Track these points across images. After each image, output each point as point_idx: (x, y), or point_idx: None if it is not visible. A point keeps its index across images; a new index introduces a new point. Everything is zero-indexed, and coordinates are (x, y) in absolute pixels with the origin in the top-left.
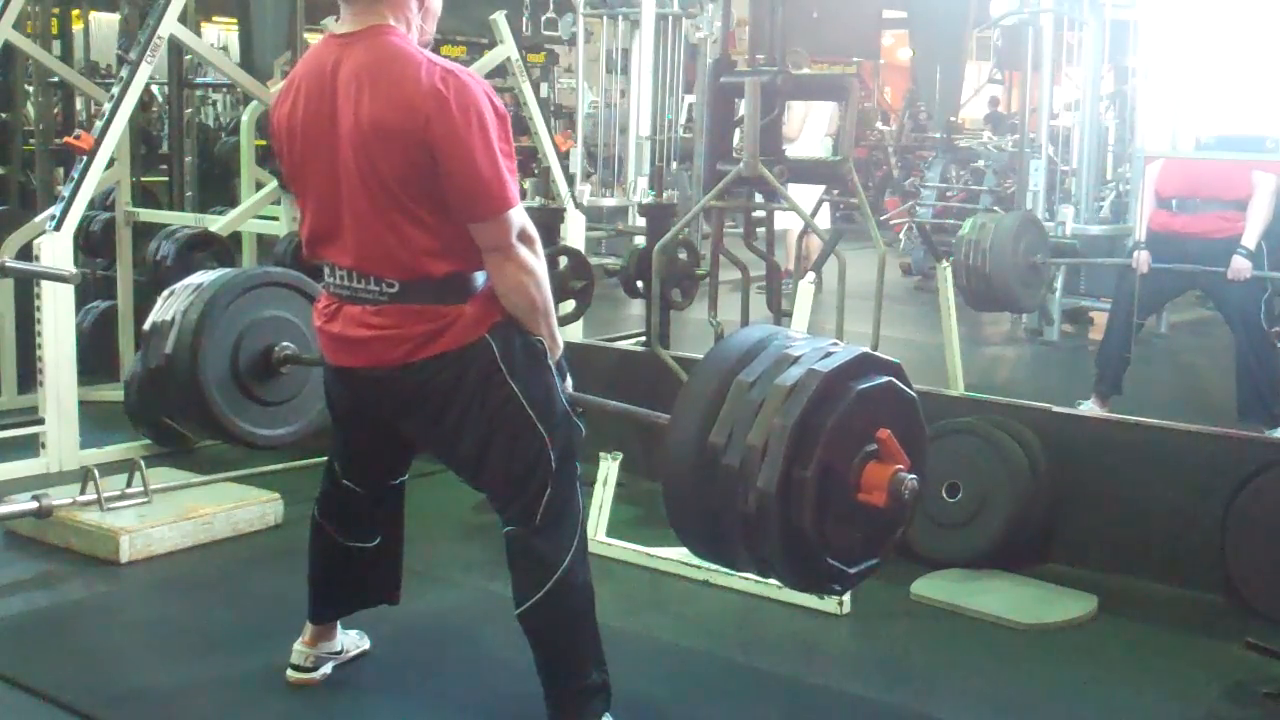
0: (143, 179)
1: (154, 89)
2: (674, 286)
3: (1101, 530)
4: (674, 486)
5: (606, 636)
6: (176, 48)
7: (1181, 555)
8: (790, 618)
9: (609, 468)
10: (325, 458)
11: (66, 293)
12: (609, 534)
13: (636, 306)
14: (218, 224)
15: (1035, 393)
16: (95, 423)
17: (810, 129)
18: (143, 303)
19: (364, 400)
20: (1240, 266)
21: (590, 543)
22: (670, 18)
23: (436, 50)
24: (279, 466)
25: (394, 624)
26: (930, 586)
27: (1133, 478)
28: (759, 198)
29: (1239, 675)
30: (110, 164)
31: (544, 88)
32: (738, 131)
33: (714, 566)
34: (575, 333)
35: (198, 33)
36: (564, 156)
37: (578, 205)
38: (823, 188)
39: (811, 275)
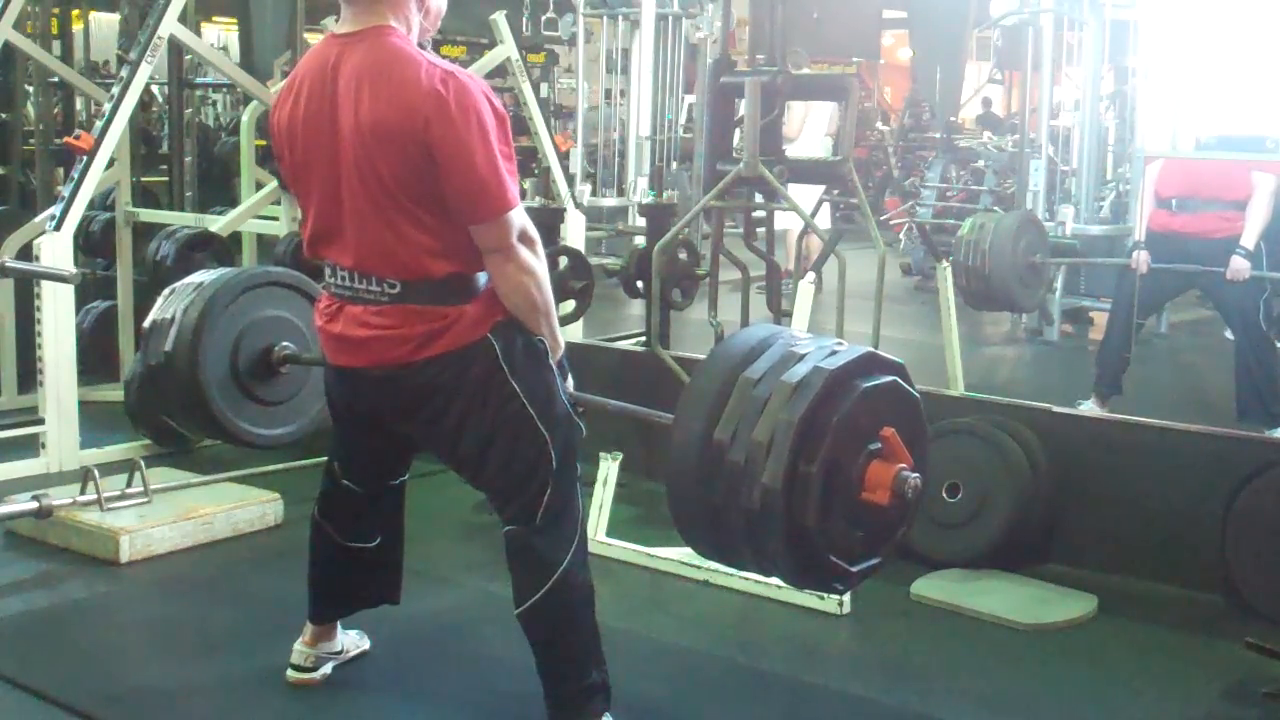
0: (143, 179)
1: (154, 89)
2: (674, 286)
3: (1101, 530)
4: (678, 483)
5: (606, 636)
6: (176, 48)
7: (1181, 555)
8: (790, 618)
9: (609, 468)
10: (325, 458)
11: (66, 293)
12: (609, 534)
13: (636, 306)
14: (218, 224)
15: (1035, 393)
16: (95, 423)
17: (810, 129)
18: (143, 303)
19: (365, 400)
20: (1239, 267)
21: (590, 543)
22: (670, 18)
23: (436, 50)
24: (279, 466)
25: (394, 624)
26: (930, 586)
27: (1133, 478)
28: (759, 198)
29: (1239, 675)
30: (110, 164)
31: (544, 88)
32: (738, 131)
33: (714, 566)
34: (575, 333)
35: (198, 33)
36: (564, 156)
37: (578, 205)
38: (823, 188)
39: (811, 275)
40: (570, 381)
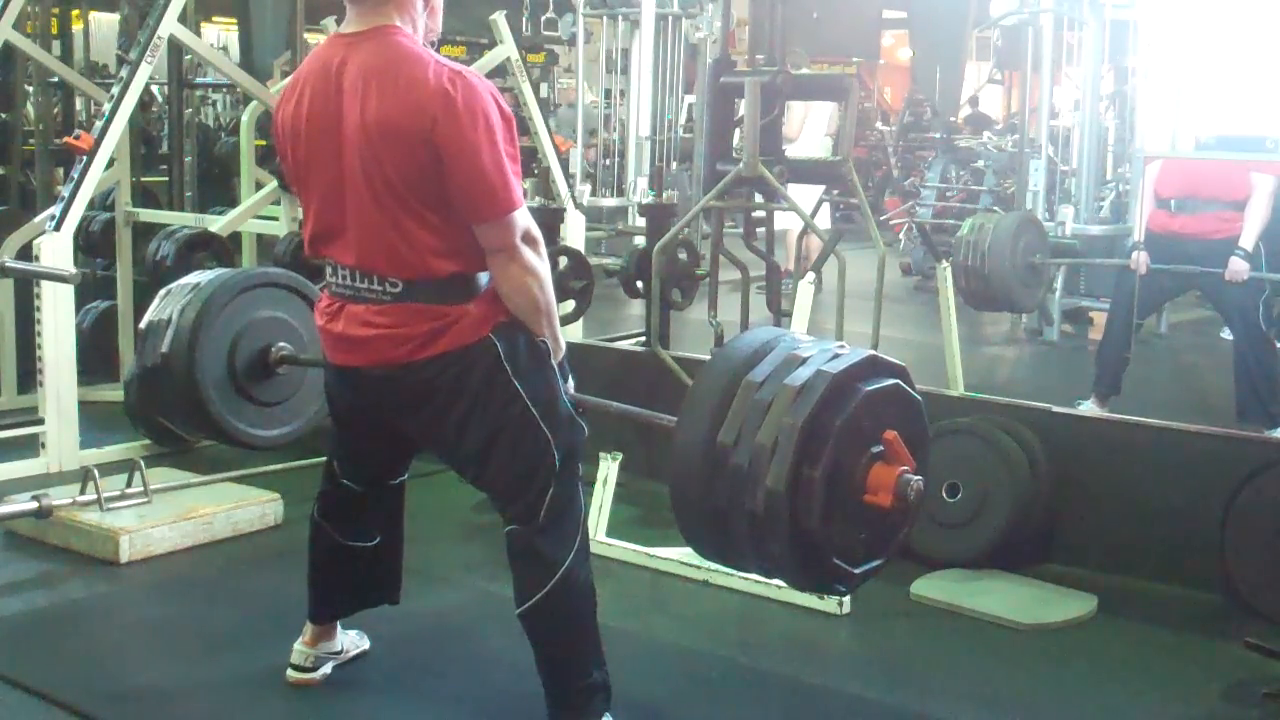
0: (143, 179)
1: (154, 89)
2: (674, 286)
3: (1101, 530)
4: (681, 485)
5: (606, 636)
6: (176, 48)
7: (1181, 555)
8: (790, 618)
9: (609, 468)
10: (325, 458)
11: (66, 293)
12: (609, 534)
13: (636, 306)
14: (218, 224)
15: (1035, 393)
16: (95, 423)
17: (810, 129)
18: (143, 303)
19: (366, 399)
20: (1238, 268)
21: (590, 543)
22: (670, 18)
23: (436, 50)
24: (279, 466)
25: (394, 624)
26: (930, 586)
27: (1133, 478)
28: (759, 198)
29: (1239, 675)
30: (110, 164)
31: (544, 88)
32: (738, 131)
33: (714, 566)
34: (575, 333)
35: (198, 33)
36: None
37: (578, 205)
38: (823, 188)
39: (811, 275)
40: (571, 382)
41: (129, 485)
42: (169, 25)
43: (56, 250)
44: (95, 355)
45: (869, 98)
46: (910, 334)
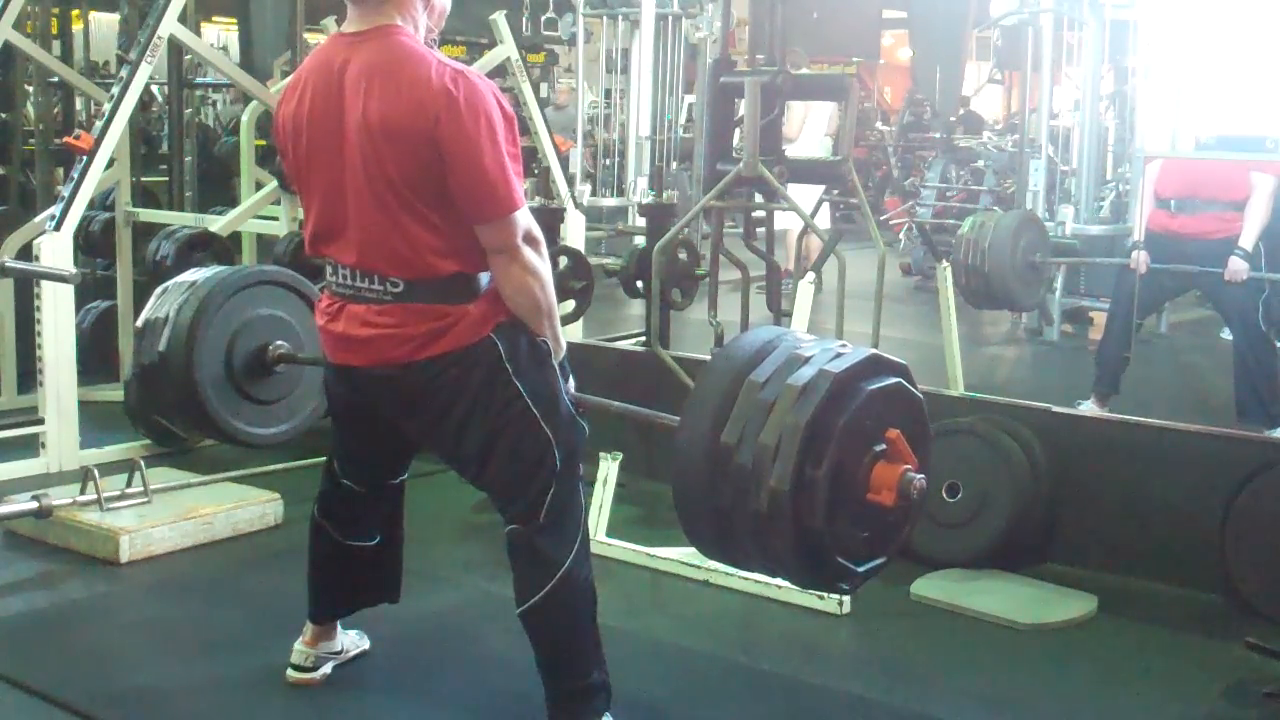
0: (143, 179)
1: (154, 89)
2: (674, 286)
3: (1101, 530)
4: (684, 485)
5: (606, 636)
6: (176, 48)
7: (1181, 555)
8: (790, 618)
9: (609, 468)
10: (325, 458)
11: (66, 293)
12: (609, 534)
13: (636, 306)
14: (218, 224)
15: (1035, 393)
16: (95, 423)
17: (810, 129)
18: (143, 303)
19: (366, 399)
20: (1237, 268)
21: (590, 543)
22: (670, 18)
23: (436, 50)
24: (279, 466)
25: (394, 624)
26: (930, 586)
27: (1133, 478)
28: (759, 198)
29: (1239, 675)
30: (110, 164)
31: (544, 88)
32: (738, 131)
33: (714, 566)
34: (575, 333)
35: (198, 33)
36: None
37: (578, 205)
38: (823, 188)
39: (811, 275)
40: (572, 382)
41: (129, 485)
42: (169, 25)
43: (56, 250)
44: (95, 355)
45: (869, 98)
46: (910, 334)
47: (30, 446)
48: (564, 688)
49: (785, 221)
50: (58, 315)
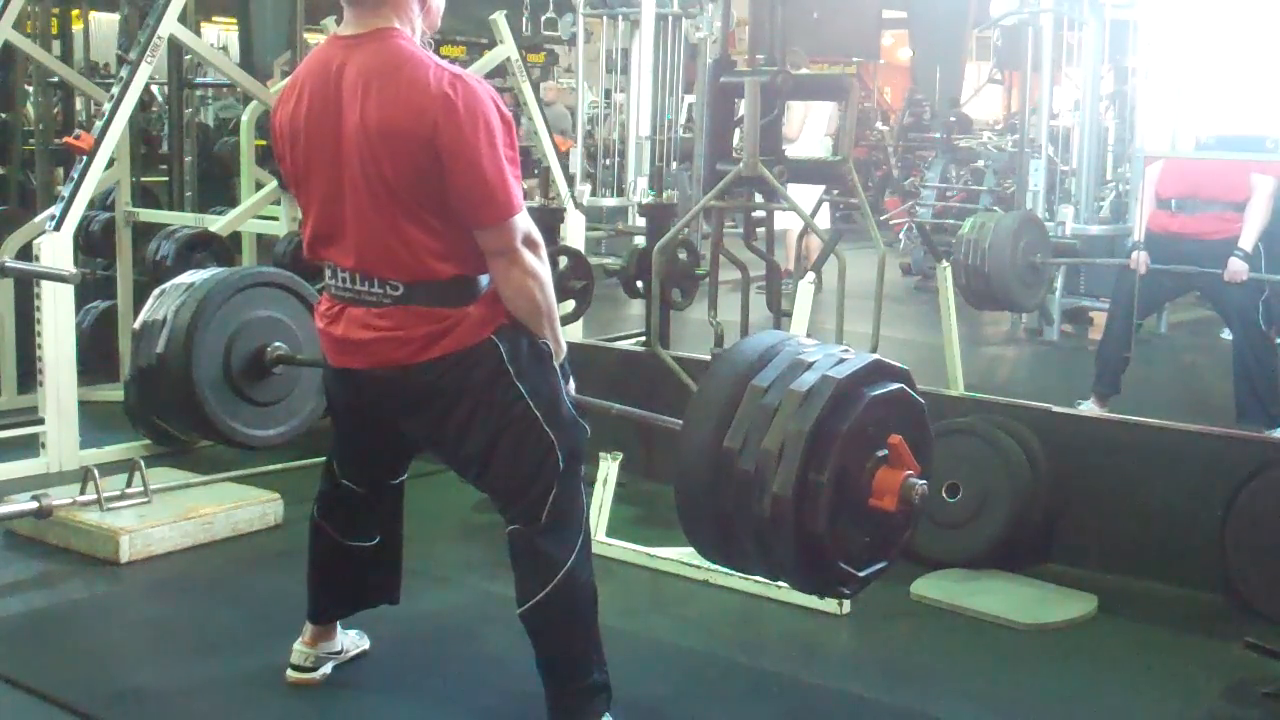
0: (143, 179)
1: (154, 89)
2: (674, 286)
3: (1101, 530)
4: (687, 490)
5: (606, 636)
6: (176, 48)
7: (1181, 555)
8: (790, 618)
9: (609, 468)
10: (325, 458)
11: (66, 293)
12: (609, 534)
13: (636, 306)
14: (218, 224)
15: (1035, 393)
16: (95, 423)
17: (810, 129)
18: (142, 303)
19: (366, 401)
20: (1237, 269)
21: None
22: (670, 18)
23: (436, 51)
24: (279, 466)
25: (394, 624)
26: (930, 586)
27: (1133, 478)
28: (759, 198)
29: (1239, 675)
30: (110, 164)
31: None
32: (738, 131)
33: (714, 566)
34: (575, 333)
35: (198, 33)
36: (564, 157)
37: (578, 205)
38: (823, 188)
39: (811, 275)
40: (572, 384)
41: (129, 485)
42: (169, 25)
43: (56, 250)
44: (95, 355)
45: (869, 98)
46: (910, 334)
47: (30, 446)
48: (565, 688)
49: (785, 221)
50: (58, 315)
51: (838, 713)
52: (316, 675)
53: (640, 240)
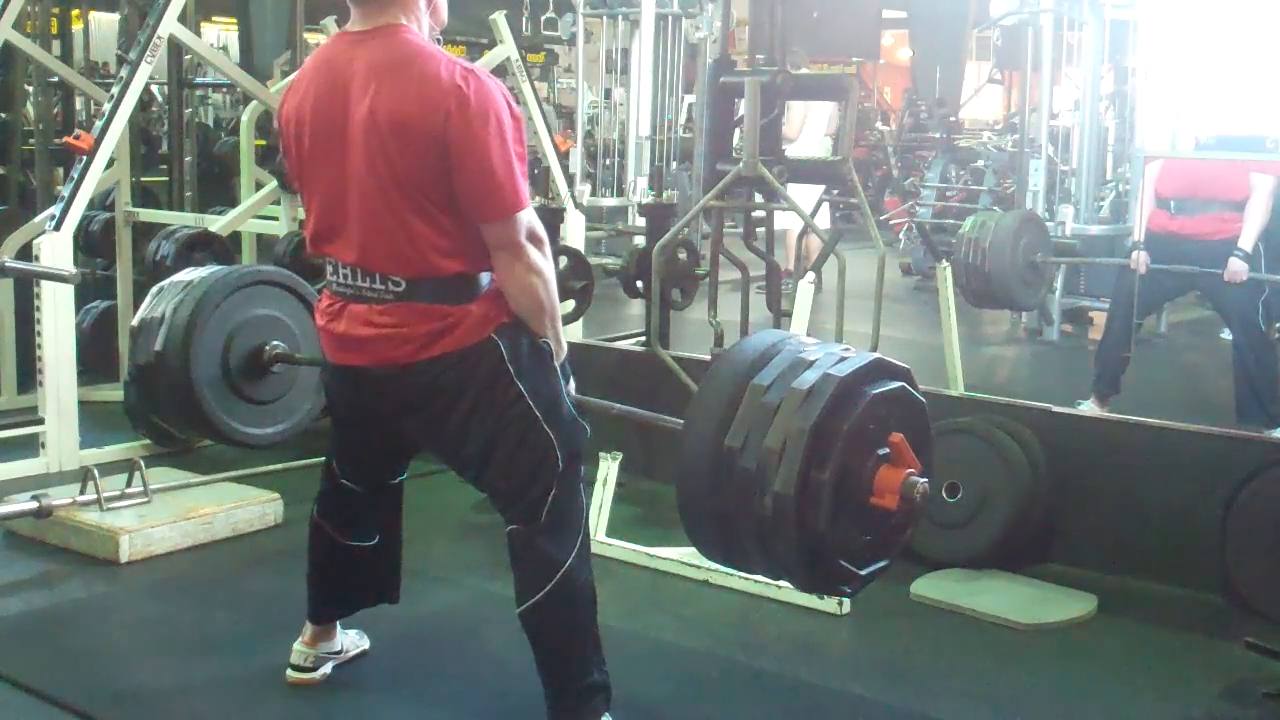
0: (143, 179)
1: (154, 89)
2: (674, 286)
3: (1101, 530)
4: (688, 489)
5: (606, 636)
6: (176, 48)
7: (1181, 555)
8: (790, 618)
9: (609, 468)
10: (324, 458)
11: (66, 293)
12: (609, 534)
13: (636, 306)
14: (218, 224)
15: (1035, 393)
16: (95, 423)
17: (810, 129)
18: (142, 302)
19: (366, 399)
20: (1237, 269)
21: (591, 543)
22: (670, 18)
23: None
24: (279, 466)
25: (394, 624)
26: (930, 586)
27: (1133, 478)
28: (759, 198)
29: (1239, 675)
30: (110, 164)
31: (544, 88)
32: (738, 131)
33: (714, 566)
34: (575, 332)
35: (198, 33)
36: (564, 156)
37: (578, 205)
38: (823, 188)
39: (811, 275)
40: (573, 383)
41: (129, 485)
42: (169, 25)
43: (56, 250)
44: (95, 355)
45: (869, 98)
46: (910, 334)
47: (30, 446)
48: (564, 687)
49: (785, 221)
50: (58, 315)
51: (838, 713)
52: (316, 675)
53: (640, 240)
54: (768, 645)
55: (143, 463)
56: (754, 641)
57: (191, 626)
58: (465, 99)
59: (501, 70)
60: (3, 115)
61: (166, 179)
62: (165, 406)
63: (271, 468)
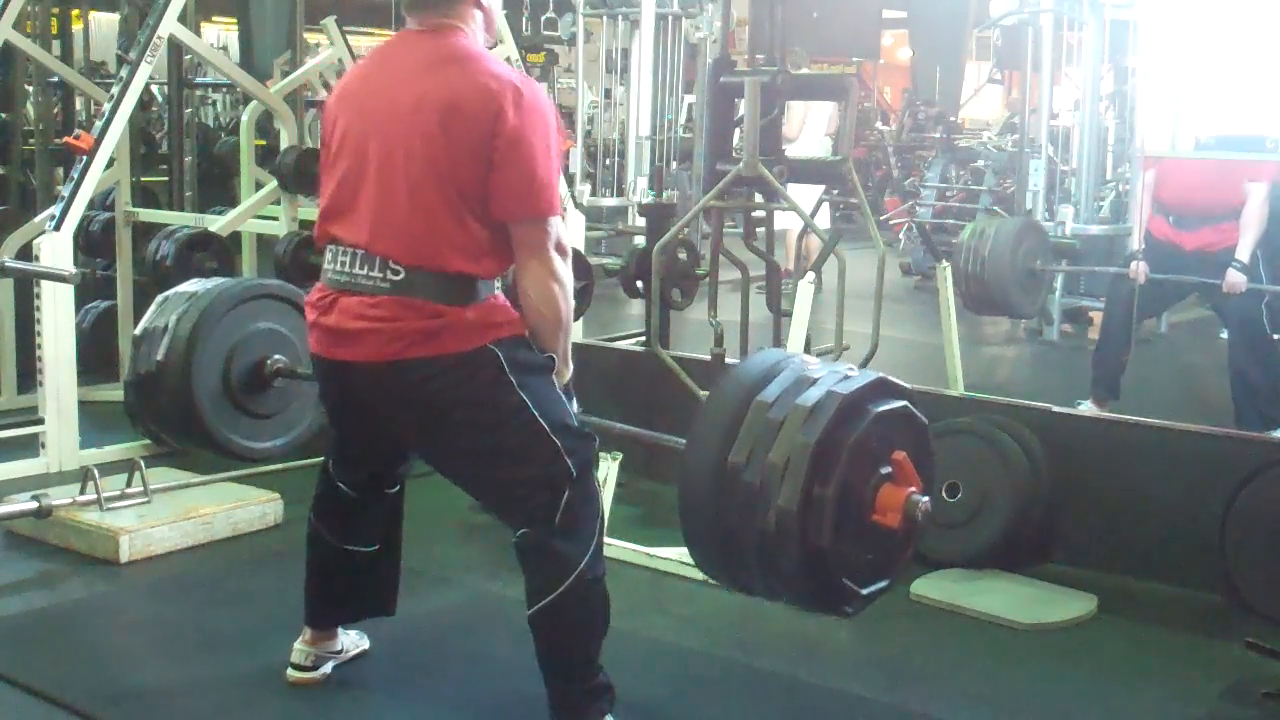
0: (143, 179)
1: (154, 89)
2: (674, 286)
3: (1101, 530)
4: (691, 504)
5: (606, 636)
6: (176, 48)
7: (1181, 555)
8: (790, 618)
9: (609, 468)
10: (323, 458)
11: (66, 293)
12: (609, 534)
13: (636, 306)
14: (217, 224)
15: (1035, 393)
16: (95, 423)
17: (810, 129)
18: (143, 303)
19: (358, 398)
20: (1235, 281)
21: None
22: (670, 18)
23: None
24: (279, 466)
25: (394, 624)
26: (930, 586)
27: (1133, 478)
28: (759, 198)
29: (1239, 675)
30: (110, 164)
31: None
32: (738, 131)
33: None
34: (575, 332)
35: (198, 33)
36: (564, 156)
37: (578, 205)
38: (823, 188)
39: (811, 275)
40: (575, 404)
41: (129, 485)
42: (169, 25)
43: (56, 250)
44: (95, 355)
45: (869, 98)
46: (910, 334)
47: (30, 446)
48: (570, 688)
49: (785, 221)
50: (58, 315)
51: (837, 713)
52: (316, 674)
53: (640, 240)
54: (768, 645)
55: (143, 463)
56: (754, 641)
57: (191, 626)
58: (521, 96)
59: None
60: (3, 115)
61: (166, 179)
62: (165, 416)
63: (271, 468)
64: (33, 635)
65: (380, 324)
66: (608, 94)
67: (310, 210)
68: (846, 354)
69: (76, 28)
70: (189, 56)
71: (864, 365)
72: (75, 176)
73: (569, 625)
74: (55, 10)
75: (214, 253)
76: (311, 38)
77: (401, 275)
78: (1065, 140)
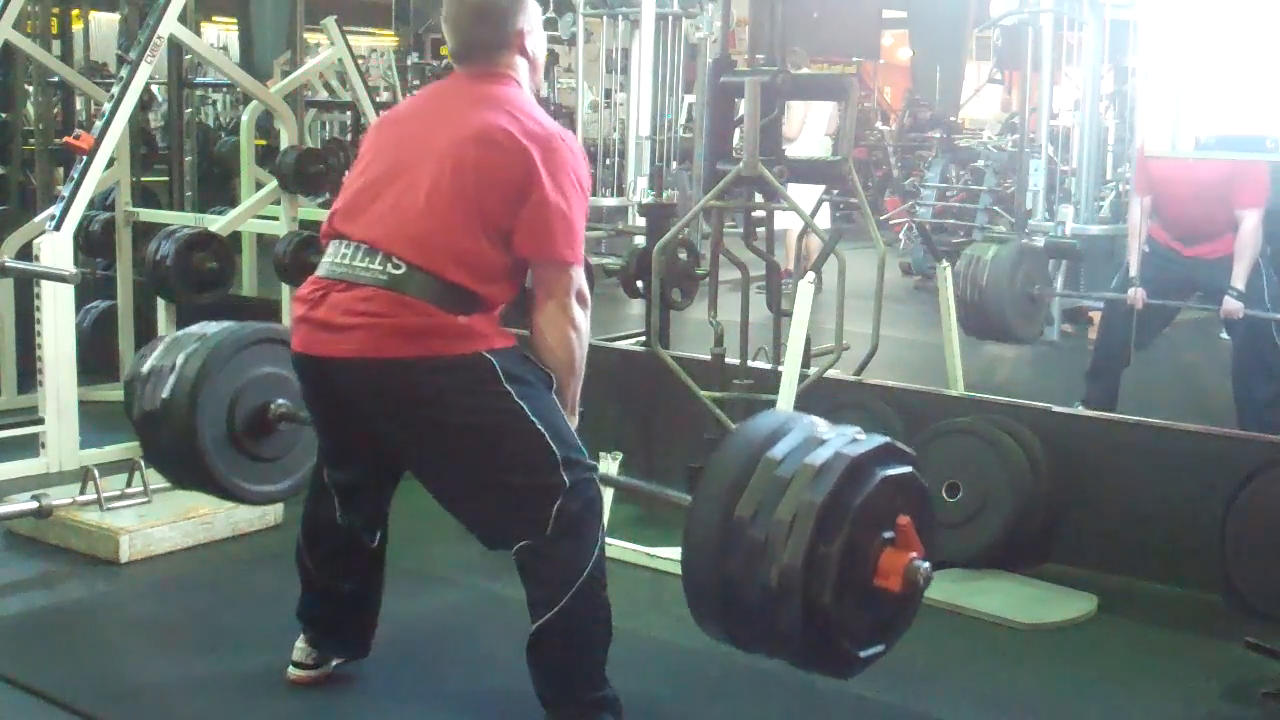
0: (143, 179)
1: (154, 89)
2: (674, 286)
3: (1101, 530)
4: (695, 556)
5: None
6: (176, 48)
7: (1181, 555)
8: None
9: (609, 468)
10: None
11: (66, 293)
12: (609, 534)
13: (636, 306)
14: (218, 224)
15: (1035, 393)
16: (95, 423)
17: (810, 129)
18: (143, 303)
19: (343, 399)
20: (1232, 309)
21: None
22: (670, 18)
23: (436, 50)
24: None
25: (394, 624)
26: (930, 586)
27: (1133, 478)
28: (759, 198)
29: (1239, 675)
30: (110, 164)
31: (544, 87)
32: (738, 131)
33: None
34: None
35: (198, 33)
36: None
37: None
38: (823, 188)
39: (811, 275)
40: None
41: (129, 485)
42: (169, 25)
43: (56, 250)
44: (95, 355)
45: (869, 98)
46: (910, 334)
47: (30, 446)
48: (575, 700)
49: (785, 221)
50: (58, 315)
51: (838, 713)
52: (317, 673)
53: (640, 240)
54: None
55: (143, 463)
56: None
57: (192, 626)
58: (560, 145)
59: None
60: (3, 115)
61: (166, 179)
62: (166, 456)
63: None
64: (33, 635)
65: (370, 319)
66: (608, 94)
67: (310, 210)
68: (847, 354)
69: (76, 28)
70: (189, 56)
71: (864, 365)
72: (75, 176)
73: (577, 635)
74: (55, 10)
75: (214, 253)
76: (311, 38)
77: (402, 270)
78: (1065, 140)
